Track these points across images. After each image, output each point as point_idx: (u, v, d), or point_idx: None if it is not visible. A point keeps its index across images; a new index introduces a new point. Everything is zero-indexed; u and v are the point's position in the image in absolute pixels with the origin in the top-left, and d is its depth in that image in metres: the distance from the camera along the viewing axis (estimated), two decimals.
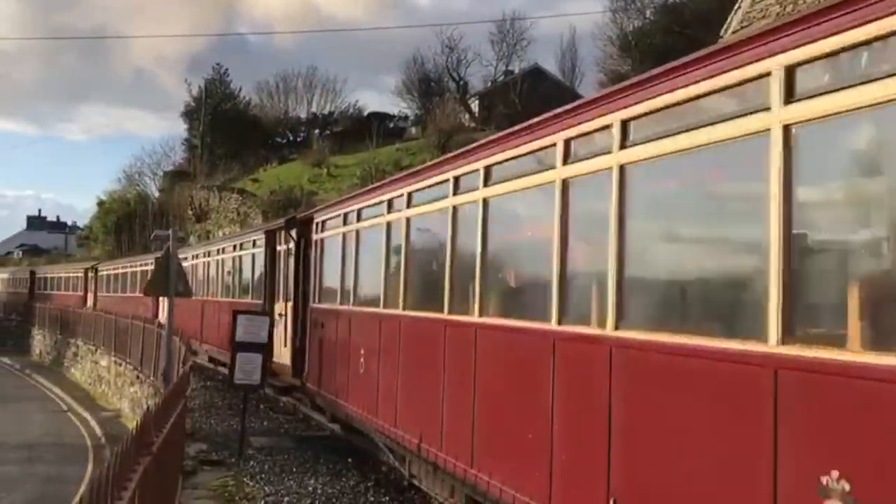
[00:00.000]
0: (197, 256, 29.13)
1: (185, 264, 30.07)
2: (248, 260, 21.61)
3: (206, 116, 65.83)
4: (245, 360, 13.94)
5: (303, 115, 68.77)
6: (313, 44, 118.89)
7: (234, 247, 23.47)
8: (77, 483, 15.39)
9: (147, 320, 22.23)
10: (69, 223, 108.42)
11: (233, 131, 64.11)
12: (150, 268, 31.52)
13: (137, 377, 22.02)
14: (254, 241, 21.07)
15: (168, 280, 15.30)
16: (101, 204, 69.05)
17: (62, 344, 35.96)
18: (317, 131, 65.26)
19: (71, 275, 51.74)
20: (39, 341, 40.61)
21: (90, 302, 44.11)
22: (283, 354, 17.40)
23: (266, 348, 14.15)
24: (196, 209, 54.99)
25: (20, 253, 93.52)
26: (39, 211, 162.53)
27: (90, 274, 46.75)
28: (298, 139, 66.88)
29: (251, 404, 16.47)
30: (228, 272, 24.06)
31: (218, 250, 25.87)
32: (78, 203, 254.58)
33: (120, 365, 25.22)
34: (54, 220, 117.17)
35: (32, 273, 60.73)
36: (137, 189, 67.63)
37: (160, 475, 6.90)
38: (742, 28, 19.31)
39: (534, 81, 55.68)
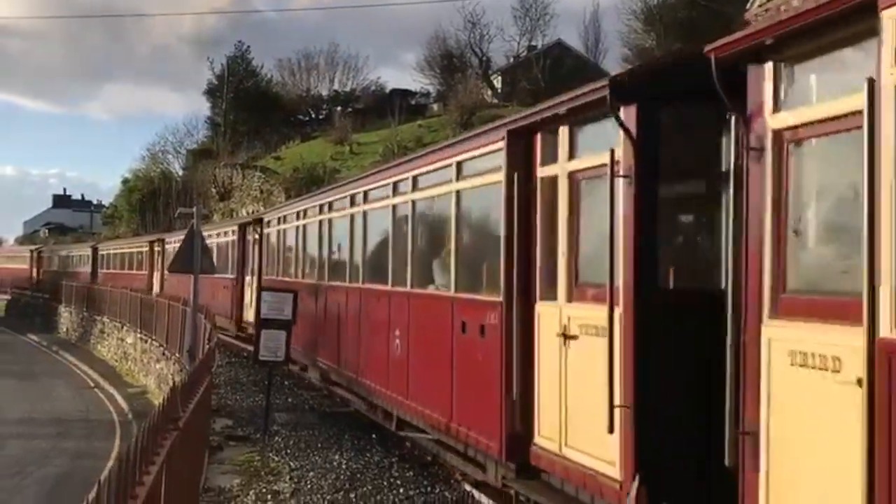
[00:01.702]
0: (301, 216, 18.43)
1: (271, 230, 21.94)
2: (441, 208, 10.69)
3: (228, 94, 65.98)
4: (269, 337, 14.02)
5: (325, 93, 68.78)
6: (334, 20, 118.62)
7: (394, 187, 12.04)
8: (105, 458, 15.59)
9: (172, 298, 22.32)
10: (94, 202, 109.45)
11: (255, 109, 64.30)
12: (233, 238, 26.68)
13: (163, 354, 22.21)
14: (458, 166, 9.95)
15: (193, 256, 15.42)
16: (125, 182, 69.73)
17: (88, 321, 36.27)
18: (339, 108, 65.23)
19: (134, 250, 42.84)
20: (66, 318, 40.98)
21: (157, 286, 35.47)
22: (600, 442, 6.96)
23: (290, 325, 14.16)
24: (219, 187, 55.23)
25: (46, 231, 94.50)
26: (64, 189, 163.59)
27: (156, 248, 37.25)
28: (320, 117, 66.91)
29: (275, 380, 16.55)
30: (383, 236, 12.82)
31: (353, 198, 14.14)
32: (102, 181, 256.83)
33: (146, 342, 25.44)
34: (79, 198, 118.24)
35: (95, 250, 50.95)
36: (161, 167, 68.08)
37: (187, 450, 6.96)
38: (768, 1, 19.01)
39: (557, 57, 55.37)
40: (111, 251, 48.75)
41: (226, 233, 29.02)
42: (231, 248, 27.40)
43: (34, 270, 62.42)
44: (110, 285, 34.62)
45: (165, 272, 33.57)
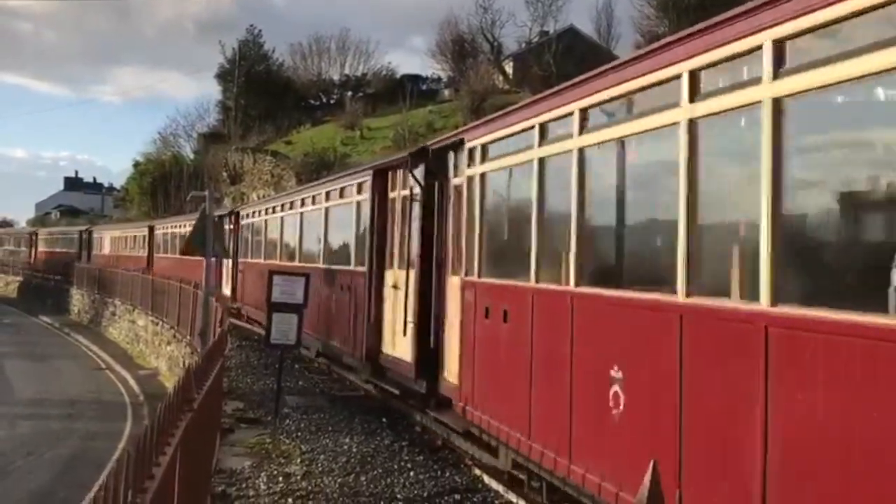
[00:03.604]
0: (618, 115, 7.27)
1: (476, 171, 10.12)
2: None
3: (239, 78, 66.00)
4: (281, 321, 14.05)
5: (336, 78, 68.80)
6: (345, 4, 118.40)
7: None
8: (117, 440, 15.72)
9: (184, 280, 22.31)
10: (105, 184, 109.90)
11: (266, 93, 64.36)
12: (359, 198, 15.46)
13: (174, 336, 22.31)
14: None
15: (205, 239, 15.48)
16: (136, 165, 69.96)
17: (100, 303, 36.44)
18: (350, 93, 65.19)
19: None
20: (78, 300, 41.18)
21: (227, 283, 26.02)
22: None
23: (301, 309, 14.18)
24: (230, 171, 55.32)
25: (58, 214, 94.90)
26: (76, 172, 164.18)
27: (227, 227, 26.33)
28: (331, 101, 66.89)
29: (286, 364, 16.61)
30: None
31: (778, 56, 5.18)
32: (113, 164, 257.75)
33: (157, 324, 25.54)
34: (90, 181, 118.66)
35: (151, 229, 42.24)
36: (172, 151, 68.29)
37: (200, 432, 7.00)
38: None
39: (569, 43, 55.07)
40: (168, 230, 38.77)
41: (342, 191, 16.70)
42: (356, 218, 15.77)
43: (82, 256, 53.50)
44: (165, 278, 25.49)
45: (239, 263, 24.30)
